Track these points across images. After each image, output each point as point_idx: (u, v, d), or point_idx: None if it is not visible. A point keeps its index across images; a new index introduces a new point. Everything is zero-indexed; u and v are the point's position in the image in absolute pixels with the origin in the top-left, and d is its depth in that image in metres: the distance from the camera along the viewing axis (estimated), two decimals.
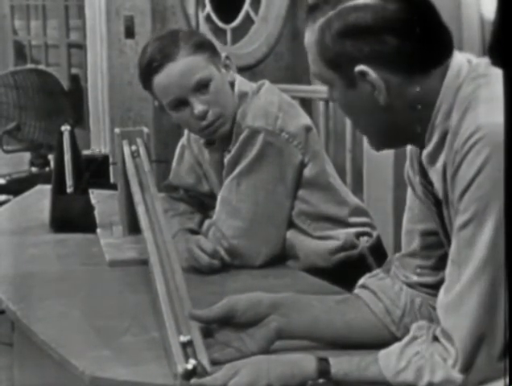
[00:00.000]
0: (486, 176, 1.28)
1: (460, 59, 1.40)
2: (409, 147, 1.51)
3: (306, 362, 1.36)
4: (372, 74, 1.36)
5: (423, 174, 1.45)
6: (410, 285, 1.54)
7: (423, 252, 1.53)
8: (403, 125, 1.41)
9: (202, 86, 2.08)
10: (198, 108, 2.08)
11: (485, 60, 1.40)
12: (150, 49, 2.11)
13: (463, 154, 1.30)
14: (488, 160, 1.27)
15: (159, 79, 2.09)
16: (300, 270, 2.11)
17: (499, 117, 1.26)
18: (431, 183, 1.44)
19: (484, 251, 1.28)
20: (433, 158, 1.39)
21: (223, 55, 2.16)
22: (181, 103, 2.10)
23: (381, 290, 1.55)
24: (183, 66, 2.07)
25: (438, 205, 1.44)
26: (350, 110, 1.44)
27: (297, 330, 1.51)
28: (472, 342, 1.29)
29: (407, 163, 1.53)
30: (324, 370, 1.34)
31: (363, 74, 1.36)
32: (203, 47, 2.11)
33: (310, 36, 1.42)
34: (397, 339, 1.46)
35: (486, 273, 1.28)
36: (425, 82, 1.38)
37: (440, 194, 1.39)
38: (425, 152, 1.41)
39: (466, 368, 1.29)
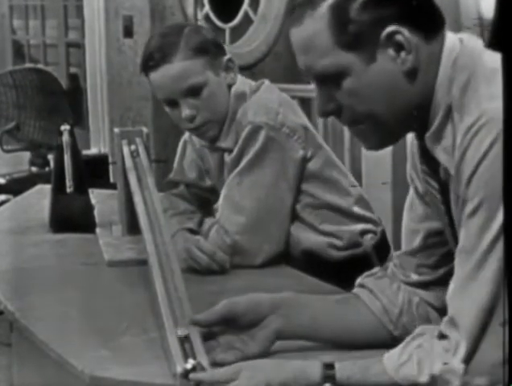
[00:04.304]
0: (493, 159, 1.25)
1: (451, 35, 1.39)
2: (409, 147, 1.50)
3: (310, 368, 1.34)
4: (405, 32, 1.32)
5: (426, 162, 1.43)
6: (409, 284, 1.54)
7: (424, 251, 1.52)
8: (417, 97, 1.36)
9: (194, 91, 2.10)
10: (186, 112, 2.10)
11: (478, 40, 1.39)
12: (152, 44, 2.13)
13: (468, 141, 1.28)
14: (493, 144, 1.25)
15: (154, 77, 2.12)
16: (304, 266, 2.11)
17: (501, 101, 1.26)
18: (435, 171, 1.41)
19: (493, 236, 1.24)
20: (438, 135, 1.36)
21: (226, 57, 2.16)
22: (173, 102, 2.13)
23: (379, 289, 1.54)
24: (178, 69, 2.09)
25: (445, 202, 1.42)
26: (368, 93, 1.35)
27: (297, 331, 1.51)
28: (478, 328, 1.25)
29: (408, 165, 1.52)
30: (328, 376, 1.33)
31: (391, 36, 1.32)
32: (203, 50, 2.11)
33: (311, 26, 1.34)
34: (395, 339, 1.46)
35: (494, 256, 1.24)
36: (433, 45, 1.36)
37: (452, 170, 1.34)
38: (429, 132, 1.37)
39: (469, 356, 1.25)
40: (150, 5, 5.09)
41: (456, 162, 1.31)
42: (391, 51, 1.33)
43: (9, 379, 2.30)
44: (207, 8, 4.96)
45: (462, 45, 1.37)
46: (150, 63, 2.10)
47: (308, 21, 1.34)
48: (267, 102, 2.15)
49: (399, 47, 1.33)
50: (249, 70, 4.58)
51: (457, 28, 3.61)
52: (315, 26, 1.34)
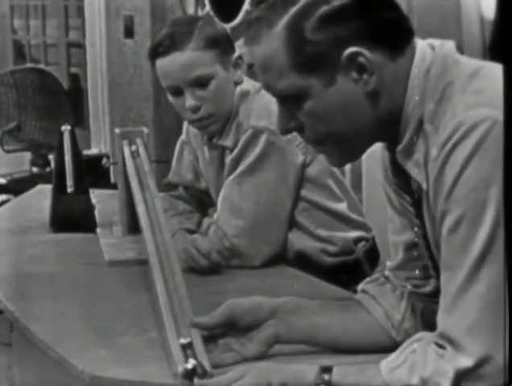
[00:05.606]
0: (473, 172, 1.22)
1: (421, 43, 1.34)
2: (380, 159, 1.47)
3: (307, 372, 1.34)
4: (366, 53, 1.27)
5: (398, 175, 1.40)
6: (412, 292, 1.52)
7: (408, 263, 1.51)
8: (383, 114, 1.32)
9: (201, 82, 2.09)
10: (190, 102, 2.09)
11: (450, 43, 1.35)
12: (164, 31, 2.11)
13: (446, 154, 1.24)
14: (473, 155, 1.22)
15: (162, 63, 2.10)
16: (297, 268, 2.12)
17: (479, 110, 1.22)
18: (408, 184, 1.39)
19: (480, 249, 1.22)
20: (409, 150, 1.32)
21: (235, 54, 2.15)
22: (178, 91, 2.11)
23: (381, 295, 1.53)
24: (188, 59, 2.08)
25: (418, 216, 1.40)
26: (329, 114, 1.31)
27: (296, 335, 1.50)
28: (472, 343, 1.23)
29: (382, 176, 1.49)
30: (324, 380, 1.32)
31: (353, 57, 1.28)
32: (216, 43, 2.10)
33: (268, 46, 1.30)
34: (398, 344, 1.45)
35: (484, 270, 1.22)
36: (400, 62, 1.31)
37: (424, 185, 1.32)
38: (400, 146, 1.33)
39: (465, 369, 1.23)
40: (151, 5, 5.09)
41: (434, 177, 1.27)
42: (353, 73, 1.29)
43: (9, 379, 2.30)
44: (208, 8, 4.97)
45: (434, 53, 1.32)
46: (160, 49, 2.08)
47: (265, 40, 1.30)
48: (270, 105, 2.13)
49: (361, 69, 1.28)
50: (249, 69, 4.59)
51: (458, 30, 3.61)
52: (272, 46, 1.30)
